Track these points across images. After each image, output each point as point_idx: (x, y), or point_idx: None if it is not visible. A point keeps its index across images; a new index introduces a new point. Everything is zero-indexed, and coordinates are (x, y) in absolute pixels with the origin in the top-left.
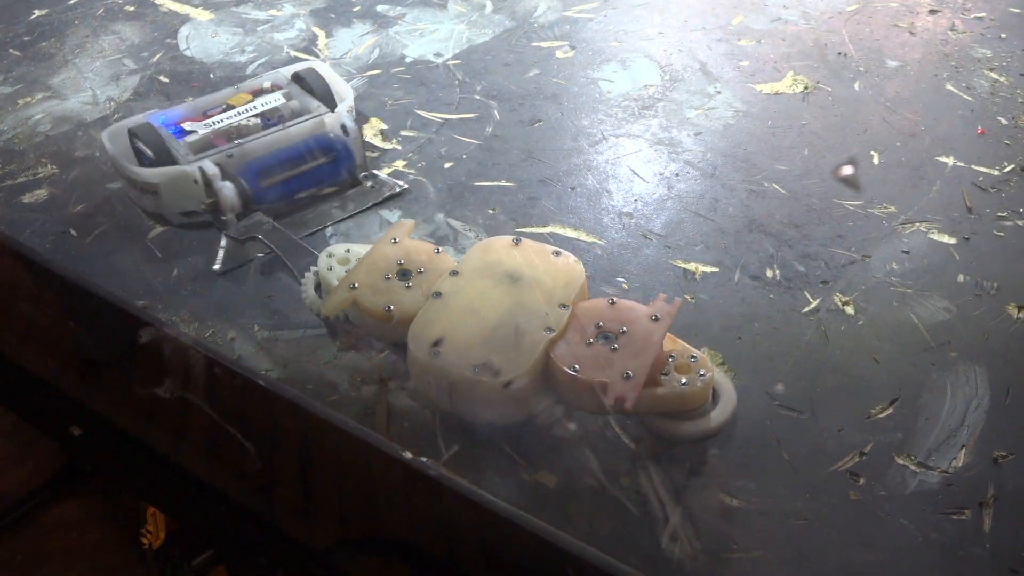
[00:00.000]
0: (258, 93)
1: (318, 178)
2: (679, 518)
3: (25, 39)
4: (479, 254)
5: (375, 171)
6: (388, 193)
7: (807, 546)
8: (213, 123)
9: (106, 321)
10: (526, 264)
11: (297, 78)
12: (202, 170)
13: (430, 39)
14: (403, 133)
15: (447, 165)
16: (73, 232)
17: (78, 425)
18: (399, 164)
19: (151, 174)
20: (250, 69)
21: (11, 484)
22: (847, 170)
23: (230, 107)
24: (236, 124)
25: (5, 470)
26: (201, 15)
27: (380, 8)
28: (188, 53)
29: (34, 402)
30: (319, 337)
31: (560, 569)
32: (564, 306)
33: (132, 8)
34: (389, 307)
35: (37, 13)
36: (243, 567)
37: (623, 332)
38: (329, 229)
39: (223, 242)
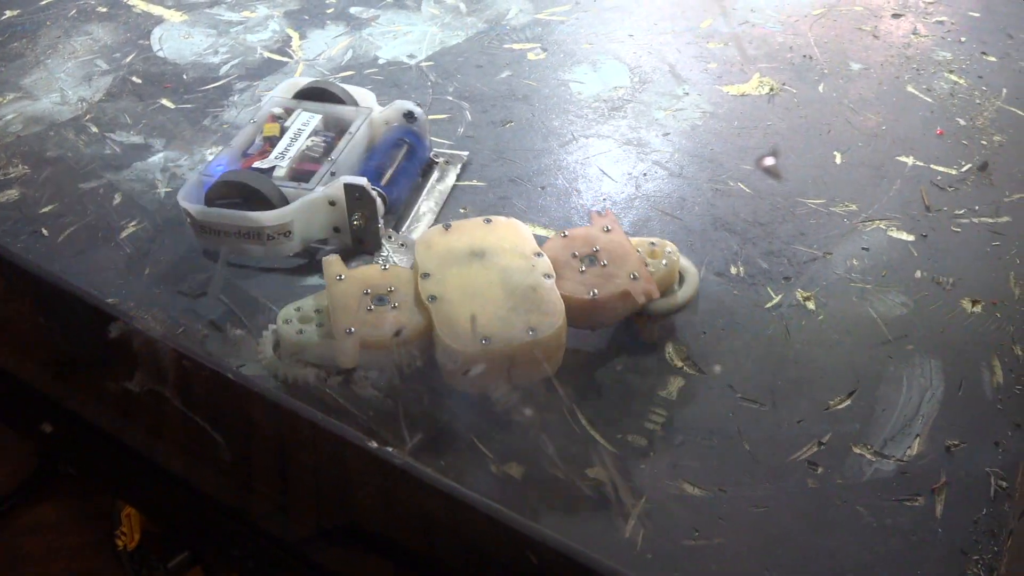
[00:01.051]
0: (275, 120)
1: (412, 169)
2: (642, 506)
3: None
4: (426, 250)
5: (437, 151)
6: (462, 163)
7: (767, 533)
8: (282, 153)
9: (77, 317)
10: (474, 239)
11: (307, 94)
12: (348, 186)
13: (403, 41)
14: None
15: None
16: (44, 232)
17: (50, 422)
18: None
19: (279, 215)
20: (223, 70)
21: None
22: (769, 160)
23: (271, 139)
24: (304, 147)
25: None
26: (174, 16)
27: (353, 10)
28: (161, 54)
29: (5, 399)
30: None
31: (522, 555)
32: (538, 254)
33: (104, 9)
34: (400, 331)
35: (8, 14)
36: (218, 560)
37: (596, 251)
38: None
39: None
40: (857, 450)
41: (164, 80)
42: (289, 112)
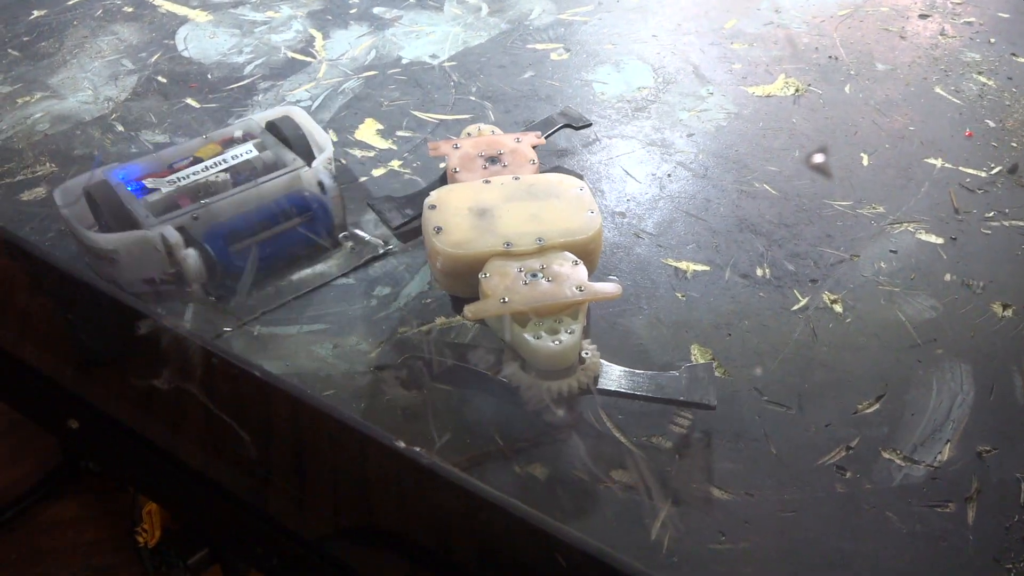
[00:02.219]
0: (229, 144)
1: (293, 241)
2: (669, 509)
3: (24, 39)
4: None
5: (355, 230)
6: (369, 255)
7: (794, 538)
8: (178, 179)
9: (104, 314)
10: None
11: (272, 127)
12: (164, 236)
13: (426, 41)
14: (399, 133)
15: (441, 165)
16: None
17: (76, 419)
18: (395, 164)
19: (107, 240)
20: (247, 70)
21: (7, 483)
22: (819, 158)
23: (197, 160)
24: (204, 180)
25: (1, 469)
26: (199, 16)
27: (377, 10)
28: (186, 54)
29: (32, 396)
30: (314, 332)
31: (550, 557)
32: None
33: (130, 9)
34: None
35: (36, 13)
36: (238, 557)
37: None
38: (306, 298)
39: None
40: (886, 455)
41: (189, 80)
42: (248, 139)
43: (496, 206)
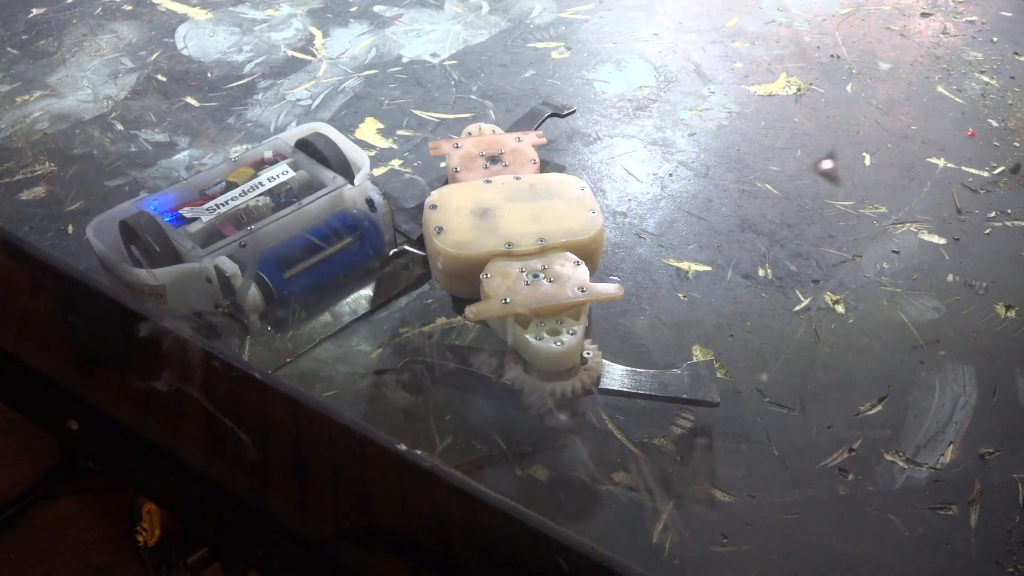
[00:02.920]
0: (260, 165)
1: (345, 261)
2: (670, 511)
3: (23, 37)
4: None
5: (405, 246)
6: (421, 271)
7: (797, 540)
8: (216, 206)
9: (103, 316)
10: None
11: (303, 144)
12: (218, 268)
13: (427, 39)
14: (399, 132)
15: (442, 164)
16: (70, 229)
17: (75, 419)
18: (395, 163)
19: (157, 275)
20: (247, 69)
21: (6, 482)
22: (827, 164)
23: (232, 185)
24: (244, 206)
25: (2, 467)
26: (199, 14)
27: (377, 8)
28: (186, 52)
29: (31, 397)
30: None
31: (552, 560)
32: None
33: (130, 7)
34: (457, 169)
35: (35, 11)
36: (238, 559)
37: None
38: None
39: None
40: (889, 457)
41: (189, 78)
42: (280, 159)
43: (497, 206)
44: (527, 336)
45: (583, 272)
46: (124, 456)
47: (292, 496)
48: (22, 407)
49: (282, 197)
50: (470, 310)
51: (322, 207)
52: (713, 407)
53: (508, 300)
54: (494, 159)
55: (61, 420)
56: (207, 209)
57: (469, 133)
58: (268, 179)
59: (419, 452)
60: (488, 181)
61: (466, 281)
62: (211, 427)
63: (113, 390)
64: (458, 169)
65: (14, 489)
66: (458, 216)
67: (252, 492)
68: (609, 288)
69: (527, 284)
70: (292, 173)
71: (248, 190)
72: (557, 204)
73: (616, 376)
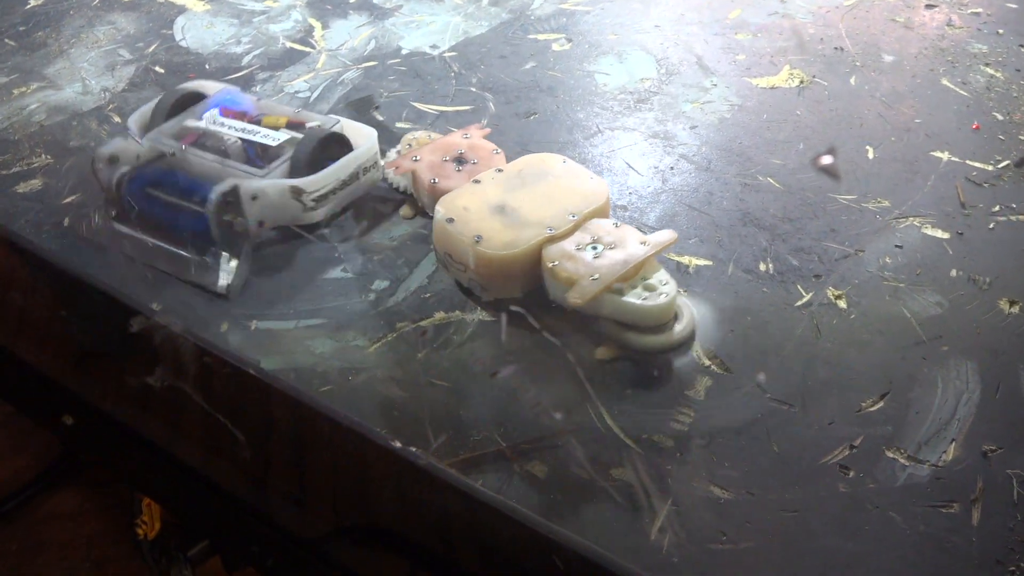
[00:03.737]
0: (297, 126)
1: (185, 223)
2: (668, 509)
3: (20, 28)
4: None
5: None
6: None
7: (796, 538)
8: (219, 123)
9: (98, 311)
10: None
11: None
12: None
13: (426, 31)
14: (398, 125)
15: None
16: (66, 222)
17: (71, 414)
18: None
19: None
20: (246, 60)
21: (6, 474)
22: (826, 159)
23: (254, 124)
24: (221, 136)
25: (0, 460)
26: (197, 5)
27: (376, 0)
28: (184, 44)
29: (27, 392)
30: (311, 327)
31: (547, 558)
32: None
33: None
34: (434, 180)
35: (33, 3)
36: (235, 556)
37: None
38: (304, 292)
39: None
40: (890, 454)
41: (187, 70)
42: (301, 126)
43: (507, 200)
44: (632, 300)
45: (626, 229)
46: (118, 452)
47: (289, 493)
48: (17, 401)
49: (255, 152)
50: (573, 297)
51: (209, 174)
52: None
53: (596, 277)
54: (460, 160)
55: (56, 415)
56: (216, 122)
57: (410, 144)
58: (264, 135)
59: (414, 449)
60: (477, 181)
61: (516, 280)
62: (206, 423)
63: (107, 385)
64: (435, 180)
65: (14, 482)
66: (483, 221)
67: (249, 489)
68: (667, 235)
69: (596, 257)
70: (281, 143)
71: (243, 131)
72: (555, 180)
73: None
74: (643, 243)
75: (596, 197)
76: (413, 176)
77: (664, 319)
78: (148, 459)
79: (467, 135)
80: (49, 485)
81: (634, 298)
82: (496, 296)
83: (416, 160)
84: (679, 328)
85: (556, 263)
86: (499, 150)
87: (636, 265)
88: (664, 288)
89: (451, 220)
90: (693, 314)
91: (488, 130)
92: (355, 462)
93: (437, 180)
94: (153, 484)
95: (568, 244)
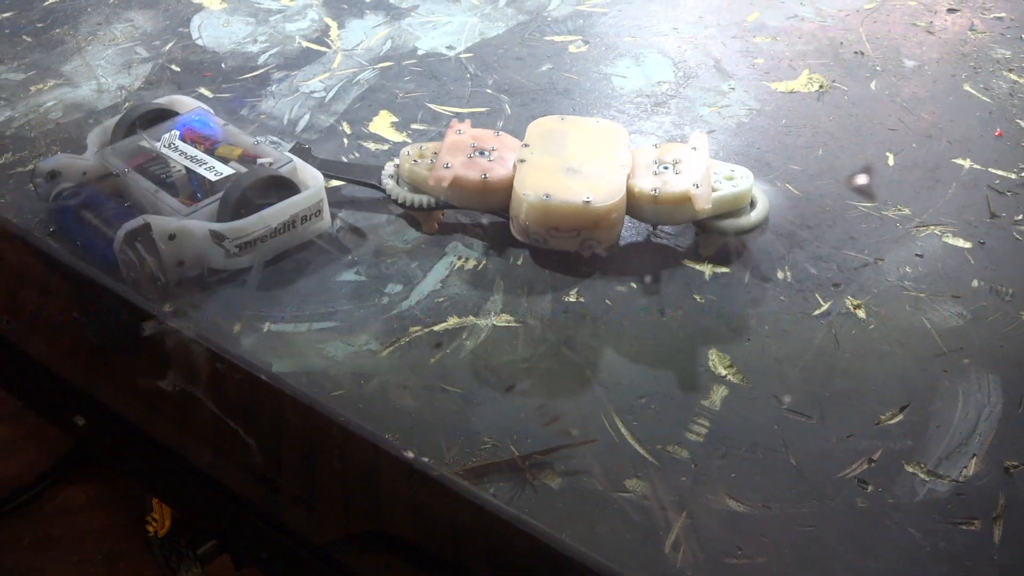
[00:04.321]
0: (250, 158)
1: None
2: (683, 523)
3: (38, 25)
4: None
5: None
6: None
7: (813, 553)
8: (173, 147)
9: (112, 312)
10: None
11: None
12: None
13: (443, 31)
14: (413, 126)
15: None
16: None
17: (82, 414)
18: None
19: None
20: (262, 60)
21: (18, 468)
22: (861, 179)
23: (207, 154)
24: (168, 162)
25: (11, 453)
26: (214, 4)
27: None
28: (200, 42)
29: (40, 391)
30: (324, 331)
31: (559, 572)
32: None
33: None
34: (485, 175)
35: (51, 0)
36: (245, 559)
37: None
38: (316, 295)
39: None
40: (910, 468)
41: (203, 68)
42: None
43: (567, 162)
44: (727, 191)
45: (669, 144)
46: (131, 452)
47: (300, 499)
48: (30, 401)
49: (197, 184)
50: (700, 205)
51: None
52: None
53: (698, 184)
54: (481, 152)
55: (68, 415)
56: (170, 146)
57: (416, 160)
58: (208, 167)
59: (426, 460)
60: (523, 160)
61: (620, 224)
62: (218, 428)
63: (120, 388)
64: (486, 175)
65: (27, 475)
66: (571, 186)
67: (260, 493)
68: (700, 137)
69: (678, 173)
70: (223, 177)
71: (193, 159)
72: (579, 133)
73: None
74: (694, 148)
75: (620, 131)
76: (455, 181)
77: (748, 200)
78: (159, 460)
79: (459, 131)
80: (60, 479)
81: (727, 188)
82: (605, 247)
83: (448, 167)
84: (759, 207)
85: (656, 189)
86: (499, 131)
87: (711, 168)
88: (739, 173)
89: (548, 195)
90: (765, 195)
91: (469, 120)
92: (366, 470)
93: (487, 175)
94: (164, 486)
95: (644, 174)
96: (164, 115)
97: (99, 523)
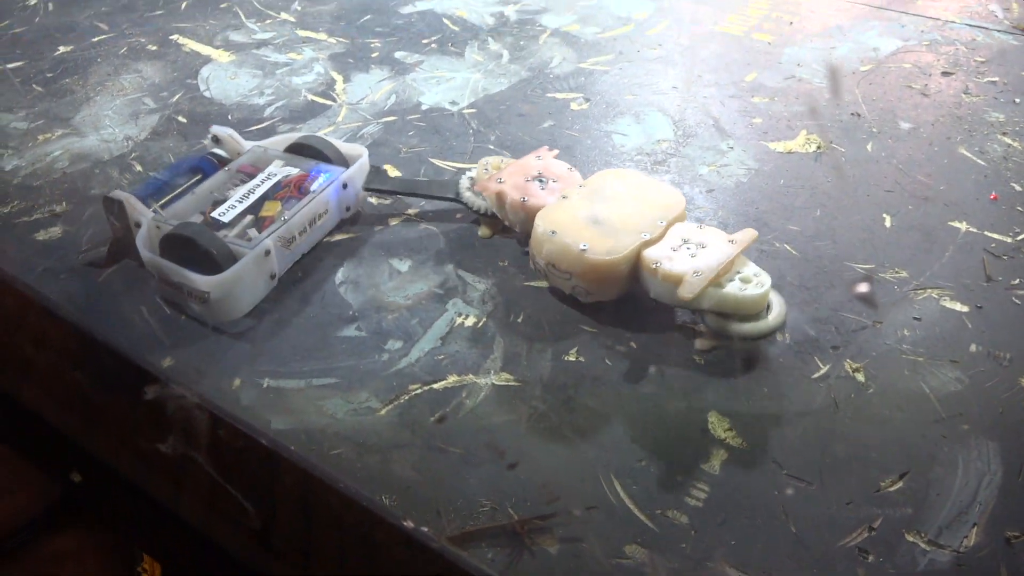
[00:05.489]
0: (249, 176)
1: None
2: None
3: (48, 75)
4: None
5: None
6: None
7: None
8: (241, 200)
9: (111, 371)
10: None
11: (297, 148)
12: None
13: (446, 87)
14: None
15: (458, 215)
16: (84, 272)
17: (77, 466)
18: (411, 211)
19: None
20: (268, 112)
21: (9, 512)
22: (863, 287)
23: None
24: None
25: (3, 496)
26: (221, 56)
27: (398, 55)
28: (207, 94)
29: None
30: (323, 387)
31: None
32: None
33: (154, 47)
34: (524, 198)
35: (62, 49)
36: None
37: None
38: (316, 351)
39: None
40: (910, 538)
41: (209, 120)
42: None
43: (597, 212)
44: (732, 291)
45: (711, 230)
46: (126, 512)
47: (296, 564)
48: (27, 454)
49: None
50: (683, 292)
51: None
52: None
53: (699, 272)
54: (540, 179)
55: (64, 470)
56: (231, 206)
57: (486, 168)
58: (269, 175)
59: (425, 530)
60: (565, 197)
61: (616, 283)
62: (215, 492)
63: (118, 447)
64: (525, 199)
65: (17, 519)
66: (582, 232)
67: (255, 556)
68: (748, 233)
69: (694, 256)
70: (292, 169)
71: (256, 186)
72: (635, 191)
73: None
74: (731, 241)
75: (676, 204)
76: (498, 196)
77: (760, 307)
78: (155, 523)
79: (539, 156)
80: (52, 524)
81: (734, 289)
82: (597, 299)
83: (501, 182)
84: (772, 316)
85: (658, 264)
86: (572, 168)
87: (730, 261)
88: (758, 279)
89: (554, 232)
90: (783, 304)
91: (557, 151)
92: (362, 534)
93: (527, 199)
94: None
95: (662, 247)
96: (324, 155)
97: (89, 570)
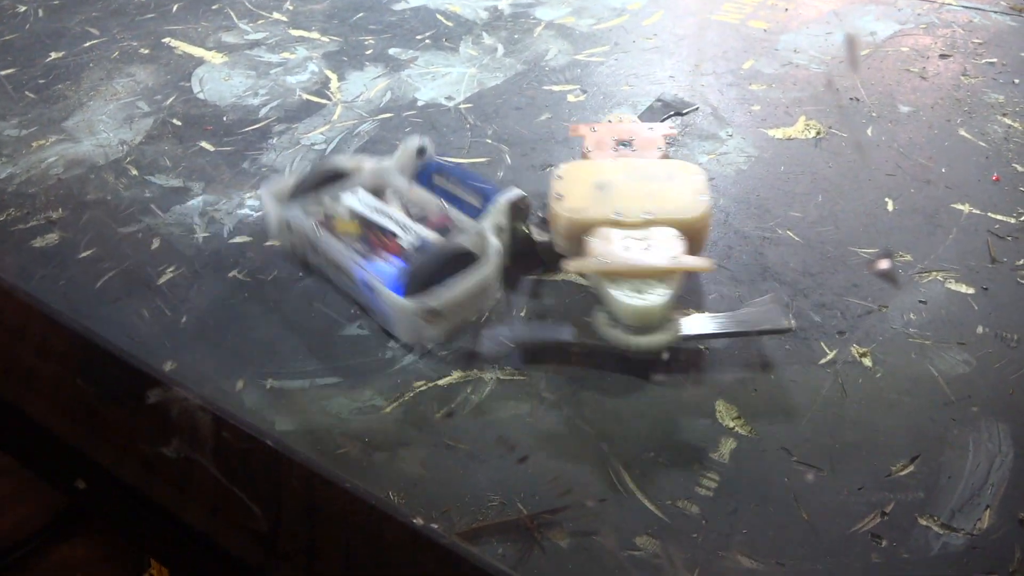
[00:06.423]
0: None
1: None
2: None
3: (40, 81)
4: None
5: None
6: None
7: None
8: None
9: (113, 375)
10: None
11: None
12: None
13: (442, 82)
14: None
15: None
16: (82, 278)
17: (82, 475)
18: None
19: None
20: (262, 112)
21: (15, 522)
22: (884, 264)
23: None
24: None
25: (8, 508)
26: (214, 58)
27: (392, 51)
28: (201, 96)
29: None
30: (327, 387)
31: None
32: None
33: (147, 51)
34: (588, 149)
35: (54, 55)
36: None
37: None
38: (319, 350)
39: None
40: (923, 522)
41: (204, 122)
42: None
43: (616, 182)
44: (612, 290)
45: (678, 245)
46: (131, 518)
47: (301, 564)
48: (31, 464)
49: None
50: (569, 264)
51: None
52: (788, 332)
53: (604, 260)
54: (624, 143)
55: (68, 478)
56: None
57: (609, 120)
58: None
59: (435, 527)
60: (613, 161)
61: (579, 243)
62: (221, 495)
63: (122, 454)
64: (590, 149)
65: (25, 528)
66: (579, 187)
67: (262, 561)
68: (698, 260)
69: (625, 249)
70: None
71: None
72: (670, 185)
73: (697, 323)
74: (673, 258)
75: (686, 211)
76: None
77: (633, 320)
78: (158, 523)
79: (652, 128)
80: (59, 534)
81: (619, 291)
82: (563, 252)
83: (593, 131)
84: (651, 338)
85: (592, 237)
86: (663, 148)
87: (641, 268)
88: (651, 297)
89: (560, 178)
90: (673, 337)
91: (675, 132)
92: (371, 536)
93: (592, 150)
94: (163, 549)
95: (618, 232)
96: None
97: None
